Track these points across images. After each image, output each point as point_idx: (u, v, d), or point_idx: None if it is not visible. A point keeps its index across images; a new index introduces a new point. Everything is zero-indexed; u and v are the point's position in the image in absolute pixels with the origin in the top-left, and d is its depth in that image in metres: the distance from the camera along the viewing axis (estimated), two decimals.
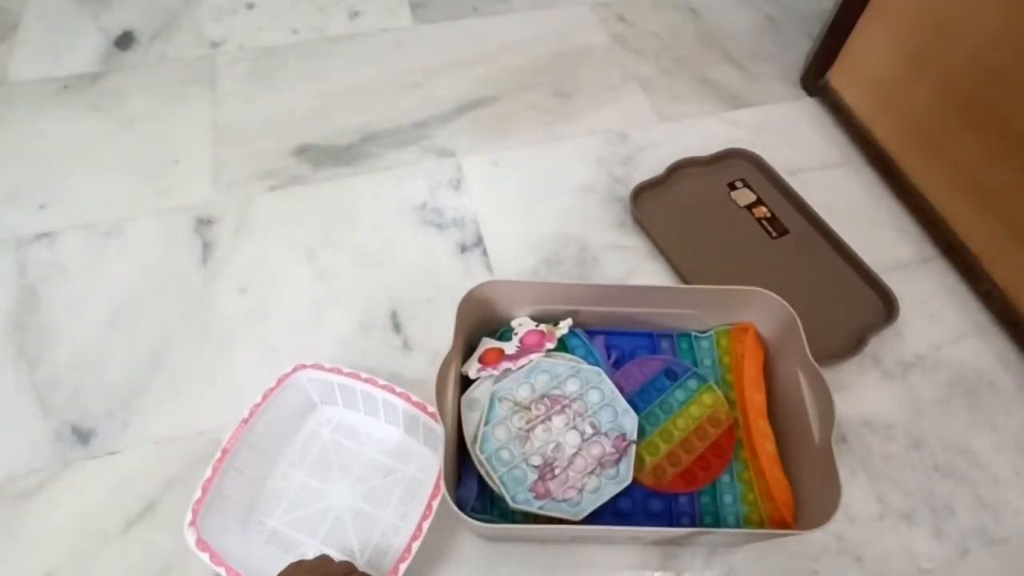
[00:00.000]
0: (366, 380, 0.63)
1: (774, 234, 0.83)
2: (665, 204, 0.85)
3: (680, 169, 0.87)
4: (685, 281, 0.78)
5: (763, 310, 0.64)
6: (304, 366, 0.63)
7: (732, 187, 0.88)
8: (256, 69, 1.00)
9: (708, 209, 0.86)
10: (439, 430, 0.52)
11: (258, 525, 0.61)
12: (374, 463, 0.65)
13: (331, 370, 0.63)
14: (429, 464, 0.64)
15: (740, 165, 0.90)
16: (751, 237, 0.83)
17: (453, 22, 1.08)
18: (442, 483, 0.51)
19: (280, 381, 0.62)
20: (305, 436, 0.66)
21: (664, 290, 0.68)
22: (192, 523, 0.54)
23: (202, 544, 0.53)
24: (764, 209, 0.85)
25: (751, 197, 0.87)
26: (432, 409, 0.58)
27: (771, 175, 0.88)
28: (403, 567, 0.53)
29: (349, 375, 0.63)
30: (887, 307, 0.77)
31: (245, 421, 0.60)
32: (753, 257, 0.81)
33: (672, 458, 0.61)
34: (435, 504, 0.56)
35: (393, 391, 0.62)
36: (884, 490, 0.67)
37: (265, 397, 0.61)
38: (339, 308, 0.76)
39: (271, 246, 0.81)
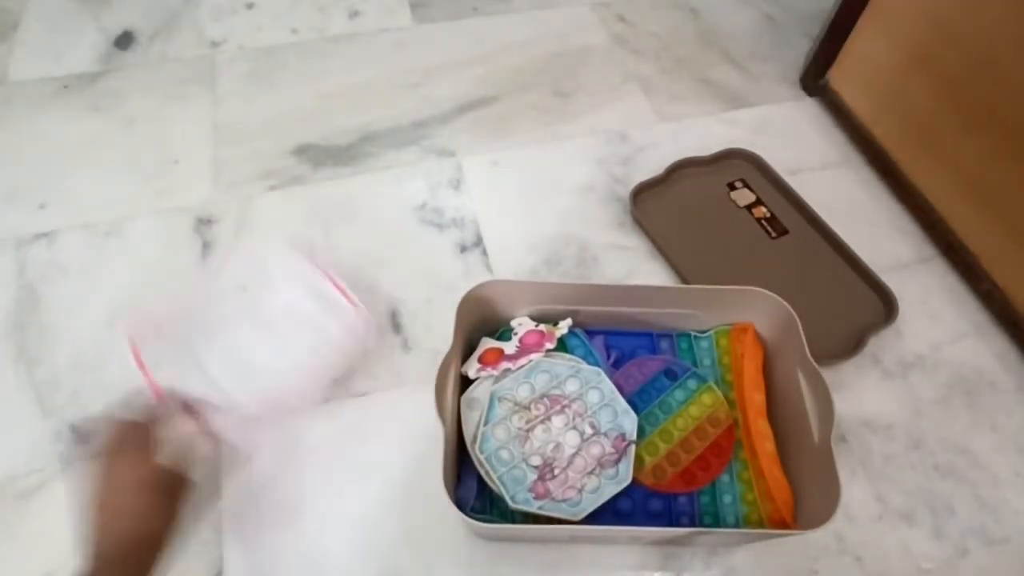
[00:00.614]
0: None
1: (774, 234, 0.83)
2: (665, 204, 0.85)
3: (680, 169, 0.87)
4: (685, 281, 0.78)
5: (762, 310, 0.64)
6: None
7: (732, 187, 0.88)
8: (256, 69, 1.00)
9: (708, 209, 0.86)
10: (439, 430, 0.52)
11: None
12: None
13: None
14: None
15: (740, 165, 0.90)
16: (751, 237, 0.83)
17: (453, 22, 1.08)
18: (442, 483, 0.51)
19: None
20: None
21: (664, 290, 0.68)
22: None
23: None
24: (764, 209, 0.85)
25: (751, 197, 0.87)
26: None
27: (771, 175, 0.88)
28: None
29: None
30: (887, 307, 0.77)
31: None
32: (753, 257, 0.82)
33: (672, 458, 0.61)
34: None
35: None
36: (884, 490, 0.67)
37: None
38: None
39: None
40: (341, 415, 0.69)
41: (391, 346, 0.74)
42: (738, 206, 0.86)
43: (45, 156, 0.89)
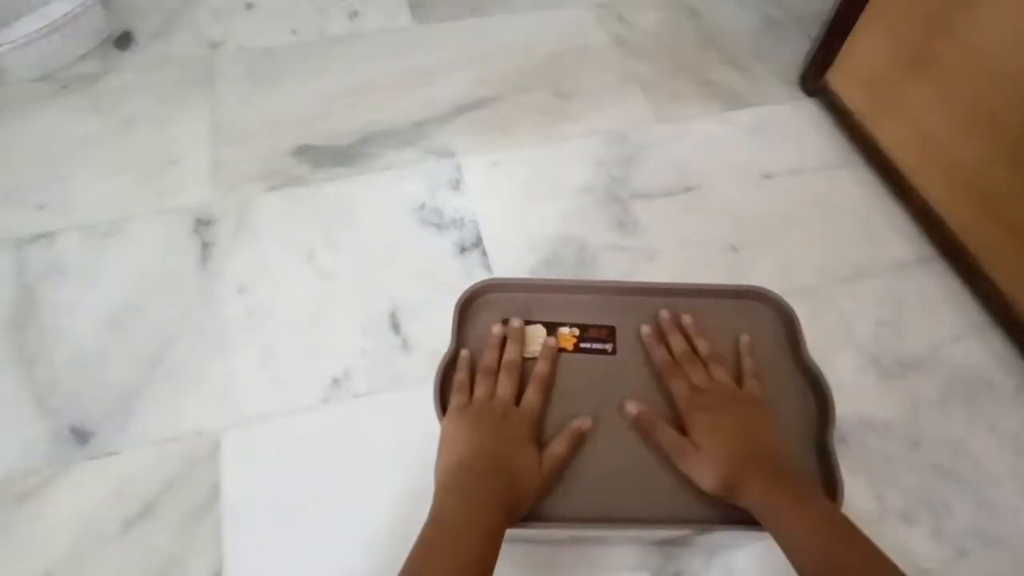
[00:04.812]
0: None
1: None
2: None
3: None
4: None
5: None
6: None
7: None
8: (255, 69, 1.00)
9: None
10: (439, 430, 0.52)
11: None
12: None
13: None
14: None
15: None
16: None
17: (453, 22, 1.08)
18: None
19: None
20: None
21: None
22: None
23: None
24: None
25: None
26: None
27: None
28: None
29: None
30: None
31: None
32: None
33: None
34: None
35: None
36: (883, 490, 0.67)
37: None
38: (338, 308, 0.76)
39: (270, 246, 0.81)
40: (341, 415, 0.69)
41: (391, 346, 0.74)
42: None
43: (44, 156, 0.89)
